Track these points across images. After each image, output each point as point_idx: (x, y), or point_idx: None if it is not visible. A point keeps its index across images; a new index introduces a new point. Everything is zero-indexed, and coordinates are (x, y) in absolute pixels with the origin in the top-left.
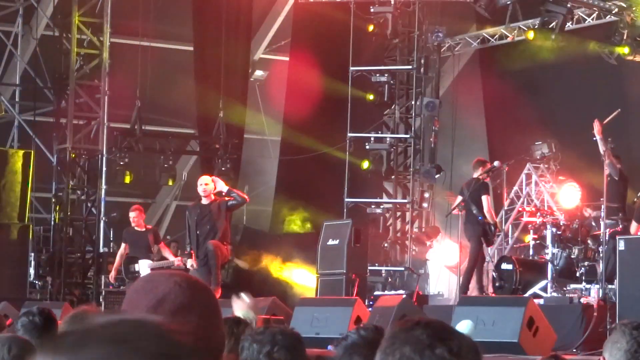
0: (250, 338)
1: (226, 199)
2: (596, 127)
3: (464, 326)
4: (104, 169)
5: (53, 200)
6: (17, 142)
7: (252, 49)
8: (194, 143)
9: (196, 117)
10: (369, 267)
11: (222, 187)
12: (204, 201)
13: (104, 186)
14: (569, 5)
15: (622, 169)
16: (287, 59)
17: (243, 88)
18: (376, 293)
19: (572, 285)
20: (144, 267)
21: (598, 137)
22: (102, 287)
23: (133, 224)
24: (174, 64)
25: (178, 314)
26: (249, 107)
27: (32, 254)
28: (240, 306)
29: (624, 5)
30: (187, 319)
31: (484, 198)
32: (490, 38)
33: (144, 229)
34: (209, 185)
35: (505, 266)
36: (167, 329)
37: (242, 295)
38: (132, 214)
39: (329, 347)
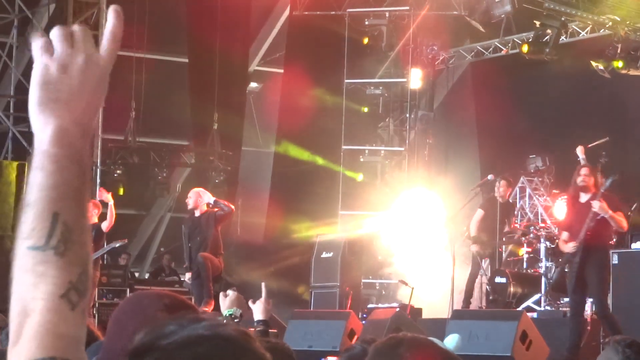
0: None
1: (215, 210)
2: (580, 149)
3: (450, 340)
4: (98, 180)
5: None
6: (11, 154)
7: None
8: (188, 155)
9: (192, 129)
10: (363, 280)
11: (209, 198)
12: (196, 213)
13: (97, 198)
14: (563, 19)
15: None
16: (281, 71)
17: (240, 100)
18: (370, 306)
19: (566, 299)
20: None
21: (581, 157)
22: (96, 298)
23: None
24: (169, 76)
25: None
26: (244, 119)
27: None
28: (227, 304)
29: (618, 19)
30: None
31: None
32: (484, 51)
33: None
34: (190, 199)
35: (498, 280)
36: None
37: (229, 292)
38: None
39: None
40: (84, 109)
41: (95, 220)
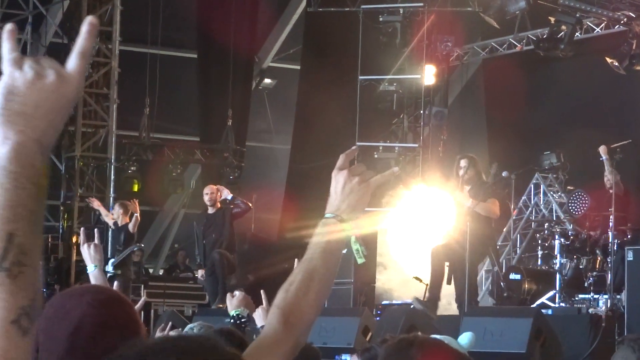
0: None
1: (230, 207)
2: (602, 149)
3: (464, 338)
4: (112, 177)
5: (61, 208)
6: None
7: (261, 57)
8: (202, 151)
9: (200, 125)
10: (377, 276)
11: (227, 195)
12: (210, 210)
13: (112, 194)
14: (577, 15)
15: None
16: (295, 67)
17: (245, 96)
18: (384, 302)
19: (581, 296)
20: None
21: (604, 158)
22: None
23: (117, 219)
24: (184, 72)
25: (98, 335)
26: (258, 115)
27: (40, 262)
28: (235, 304)
29: (633, 16)
30: (108, 337)
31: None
32: (498, 48)
33: (124, 223)
34: (213, 194)
35: (513, 276)
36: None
37: (236, 292)
38: (115, 207)
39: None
40: (47, 128)
41: (126, 219)
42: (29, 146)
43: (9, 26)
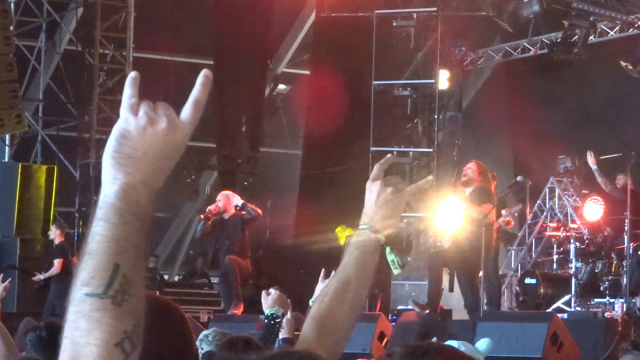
0: None
1: (242, 213)
2: (590, 158)
3: (482, 344)
4: None
5: (76, 215)
6: (40, 157)
7: (275, 63)
8: (217, 158)
9: (215, 131)
10: (392, 282)
11: (237, 201)
12: (225, 216)
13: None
14: (591, 19)
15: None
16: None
17: (259, 102)
18: (399, 307)
19: (596, 300)
20: None
21: (594, 168)
22: None
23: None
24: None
25: None
26: (272, 121)
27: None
28: (269, 303)
29: None
30: (145, 344)
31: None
32: (512, 52)
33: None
34: (220, 202)
35: (528, 280)
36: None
37: (272, 290)
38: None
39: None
40: (154, 171)
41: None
42: (135, 187)
43: (133, 74)
